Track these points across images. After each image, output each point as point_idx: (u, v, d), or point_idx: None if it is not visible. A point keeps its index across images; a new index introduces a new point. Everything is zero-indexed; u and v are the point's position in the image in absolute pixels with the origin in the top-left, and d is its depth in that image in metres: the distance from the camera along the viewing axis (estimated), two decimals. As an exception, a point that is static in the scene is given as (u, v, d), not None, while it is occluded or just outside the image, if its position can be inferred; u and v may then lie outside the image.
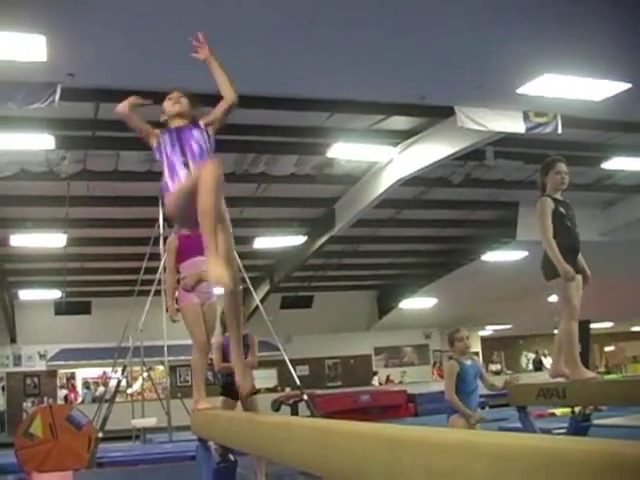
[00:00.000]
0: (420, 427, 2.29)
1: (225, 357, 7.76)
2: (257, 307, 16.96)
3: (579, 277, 5.97)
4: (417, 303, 26.24)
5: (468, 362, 7.32)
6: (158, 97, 5.00)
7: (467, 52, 8.96)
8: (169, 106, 4.79)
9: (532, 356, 33.43)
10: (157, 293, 14.69)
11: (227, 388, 7.75)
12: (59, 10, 7.43)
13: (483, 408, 22.11)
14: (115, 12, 7.63)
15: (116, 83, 9.99)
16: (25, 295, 22.92)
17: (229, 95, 4.70)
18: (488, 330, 30.93)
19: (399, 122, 13.58)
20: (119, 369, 15.05)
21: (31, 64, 8.29)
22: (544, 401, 6.28)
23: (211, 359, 7.37)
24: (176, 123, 4.76)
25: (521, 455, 1.58)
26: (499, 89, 9.92)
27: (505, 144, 13.67)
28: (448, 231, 20.59)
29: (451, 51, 8.99)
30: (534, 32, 8.22)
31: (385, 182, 15.40)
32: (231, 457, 4.70)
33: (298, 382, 14.77)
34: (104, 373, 23.80)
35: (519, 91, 9.92)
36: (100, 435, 11.56)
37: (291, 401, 19.52)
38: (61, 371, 25.06)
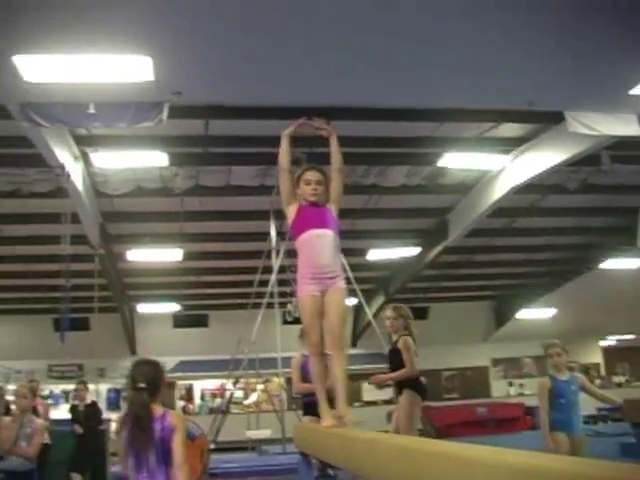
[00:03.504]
0: (501, 449, 2.22)
1: (305, 377, 7.66)
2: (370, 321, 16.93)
3: None
4: (535, 313, 25.68)
5: (564, 377, 7.07)
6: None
7: (575, 55, 8.71)
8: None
9: (659, 367, 32.17)
10: (270, 305, 14.83)
11: (310, 407, 7.51)
12: (164, 32, 7.62)
13: (605, 422, 21.46)
14: (218, 30, 7.76)
15: (222, 100, 10.21)
16: (144, 308, 23.60)
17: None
18: (610, 340, 29.93)
19: (510, 129, 13.34)
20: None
21: (139, 84, 8.52)
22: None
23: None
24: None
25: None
26: (610, 91, 9.58)
27: (622, 148, 13.21)
28: (565, 239, 20.08)
29: (558, 55, 8.75)
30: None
31: (498, 190, 15.14)
32: (330, 472, 4.67)
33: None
34: (221, 385, 24.18)
35: (632, 92, 9.57)
36: (212, 446, 11.71)
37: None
38: (180, 382, 25.59)
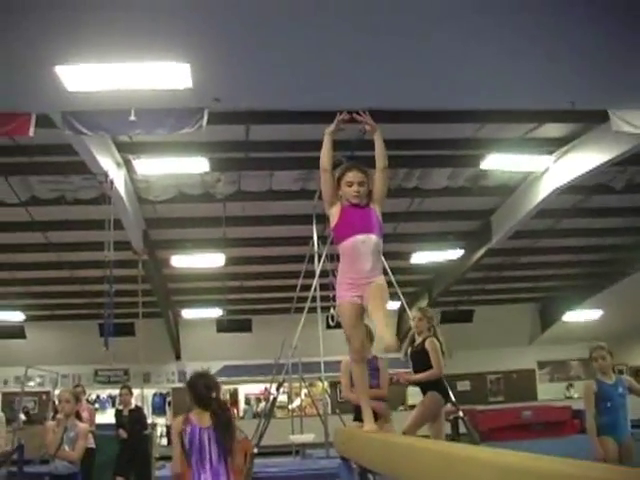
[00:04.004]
0: (542, 457, 2.18)
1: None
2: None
3: None
4: (582, 315, 25.37)
5: (609, 381, 6.92)
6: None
7: (617, 52, 8.56)
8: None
9: None
10: (312, 310, 14.82)
11: (360, 412, 7.31)
12: (201, 39, 7.64)
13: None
14: (255, 36, 7.76)
15: (261, 105, 10.21)
16: (188, 314, 23.76)
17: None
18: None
19: (553, 129, 13.20)
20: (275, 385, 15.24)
21: (178, 91, 8.58)
22: None
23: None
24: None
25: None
26: (654, 89, 9.42)
27: (668, 147, 13.02)
28: (611, 240, 19.81)
29: (599, 52, 8.62)
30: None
31: (542, 192, 14.98)
32: (370, 477, 4.64)
33: (453, 398, 14.50)
34: (265, 389, 24.23)
35: (677, 90, 9.41)
36: (256, 451, 11.71)
37: (451, 417, 19.17)
38: (224, 387, 25.64)
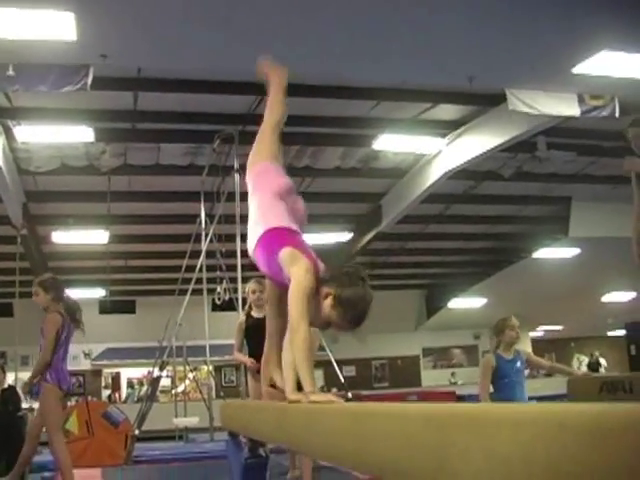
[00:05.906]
0: (475, 404, 1.86)
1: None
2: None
3: None
4: (466, 303, 25.61)
5: (509, 356, 6.71)
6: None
7: (517, 29, 8.47)
8: None
9: (584, 358, 32.58)
10: (198, 292, 14.39)
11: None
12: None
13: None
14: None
15: (151, 66, 9.69)
16: (69, 294, 22.80)
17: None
18: (538, 331, 30.16)
19: (447, 111, 13.08)
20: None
21: (61, 44, 7.97)
22: (607, 396, 5.75)
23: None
24: None
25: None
26: (552, 68, 9.37)
27: (557, 134, 13.14)
28: (498, 227, 20.05)
29: (500, 28, 8.52)
30: (591, 4, 7.70)
31: (433, 175, 14.92)
32: (261, 452, 4.29)
33: (343, 381, 14.38)
34: (149, 372, 23.60)
35: (574, 70, 9.39)
36: (137, 433, 11.29)
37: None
38: (106, 370, 24.97)
